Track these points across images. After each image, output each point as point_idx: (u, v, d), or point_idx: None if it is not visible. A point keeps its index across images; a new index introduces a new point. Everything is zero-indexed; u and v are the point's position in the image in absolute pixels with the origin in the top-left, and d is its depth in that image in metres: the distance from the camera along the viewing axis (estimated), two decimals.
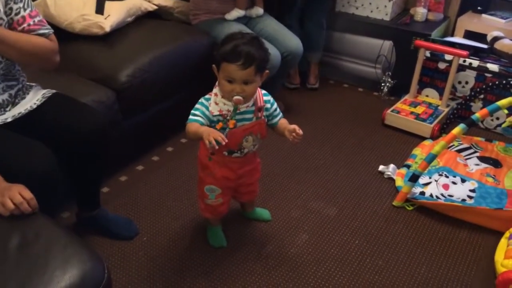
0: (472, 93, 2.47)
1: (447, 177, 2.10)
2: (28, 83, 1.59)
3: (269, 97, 1.58)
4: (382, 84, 2.86)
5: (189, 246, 1.79)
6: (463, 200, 1.97)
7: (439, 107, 2.62)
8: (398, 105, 2.65)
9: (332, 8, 2.99)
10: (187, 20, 2.54)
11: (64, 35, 2.10)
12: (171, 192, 2.05)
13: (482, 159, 2.25)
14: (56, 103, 1.54)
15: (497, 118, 2.55)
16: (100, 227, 1.79)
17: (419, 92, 2.77)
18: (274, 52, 2.32)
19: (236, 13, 2.43)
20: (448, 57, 2.58)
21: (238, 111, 1.47)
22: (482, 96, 2.52)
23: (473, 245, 1.84)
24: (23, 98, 1.54)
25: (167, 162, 2.26)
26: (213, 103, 1.48)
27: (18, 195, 1.17)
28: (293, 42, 2.45)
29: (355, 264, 1.73)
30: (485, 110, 1.90)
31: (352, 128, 2.59)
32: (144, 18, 2.42)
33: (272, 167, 2.23)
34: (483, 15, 2.88)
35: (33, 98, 1.54)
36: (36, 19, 1.48)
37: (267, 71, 1.49)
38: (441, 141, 1.90)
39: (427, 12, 2.89)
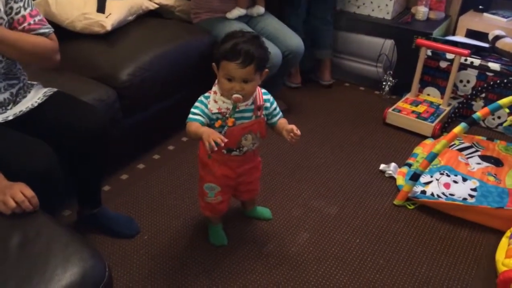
0: (474, 92, 2.47)
1: (448, 176, 2.10)
2: (29, 82, 1.59)
3: (269, 96, 1.58)
4: (384, 83, 2.85)
5: (190, 245, 1.79)
6: (464, 199, 1.97)
7: (440, 106, 2.62)
8: (400, 104, 2.64)
9: (333, 7, 2.99)
10: (188, 19, 2.54)
11: (65, 33, 2.11)
12: (172, 191, 2.05)
13: (484, 158, 2.25)
14: (57, 101, 1.54)
15: (499, 117, 2.54)
16: (101, 226, 1.80)
17: (420, 91, 2.77)
18: (275, 51, 2.31)
19: (237, 12, 2.43)
20: (449, 56, 2.57)
21: (237, 109, 1.47)
22: (483, 95, 2.52)
23: (474, 244, 1.84)
24: (24, 96, 1.54)
25: (168, 160, 2.26)
26: (212, 101, 1.48)
27: (20, 193, 1.17)
28: (294, 41, 2.45)
29: (356, 263, 1.73)
30: (486, 109, 1.89)
31: (353, 127, 2.58)
32: (145, 17, 2.42)
33: (273, 165, 2.23)
34: (485, 14, 2.88)
35: (34, 97, 1.54)
36: (37, 18, 1.48)
37: (266, 70, 1.49)
38: (442, 140, 1.90)
39: (428, 11, 2.88)
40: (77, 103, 1.57)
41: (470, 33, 2.83)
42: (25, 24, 1.45)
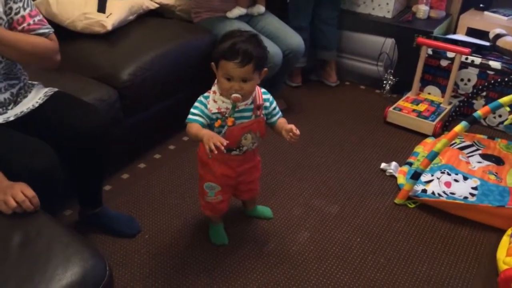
0: (474, 91, 2.47)
1: (449, 174, 2.10)
2: (30, 82, 1.59)
3: (268, 96, 1.58)
4: (384, 81, 2.85)
5: (191, 244, 1.79)
6: (465, 197, 1.97)
7: (441, 105, 2.61)
8: (400, 102, 2.64)
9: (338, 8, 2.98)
10: (189, 18, 2.54)
11: (66, 33, 2.11)
12: (173, 190, 2.06)
13: (485, 156, 2.25)
14: (57, 101, 1.54)
15: (500, 116, 2.54)
16: (102, 225, 1.80)
17: (421, 89, 2.76)
18: (275, 50, 2.32)
19: (238, 11, 2.43)
20: (450, 54, 2.57)
21: (236, 109, 1.47)
22: (484, 93, 2.52)
23: (475, 242, 1.84)
24: (25, 96, 1.54)
25: (169, 160, 2.26)
26: (211, 101, 1.48)
27: (20, 193, 1.17)
28: (295, 40, 2.45)
29: (357, 262, 1.73)
30: (487, 108, 1.89)
31: (354, 126, 2.58)
32: (146, 17, 2.42)
33: (273, 165, 2.23)
34: (486, 12, 2.87)
35: (35, 97, 1.54)
36: (36, 19, 1.48)
37: (265, 69, 1.49)
38: (443, 139, 1.90)
39: (429, 10, 2.88)
40: (78, 103, 1.58)
41: (471, 32, 2.83)
42: (25, 25, 1.45)
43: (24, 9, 1.45)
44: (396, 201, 2.02)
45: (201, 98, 1.51)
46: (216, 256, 1.74)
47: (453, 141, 2.30)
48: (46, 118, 1.50)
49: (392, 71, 2.83)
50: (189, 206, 1.97)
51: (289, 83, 2.96)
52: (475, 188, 2.02)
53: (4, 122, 1.46)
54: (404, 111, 2.56)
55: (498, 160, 2.22)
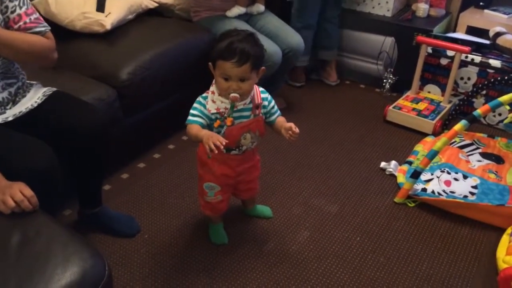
0: (474, 89, 2.46)
1: (449, 173, 2.10)
2: (28, 82, 1.59)
3: (267, 95, 1.58)
4: (384, 80, 2.85)
5: (190, 244, 1.79)
6: (465, 196, 1.97)
7: (441, 104, 2.61)
8: (400, 101, 2.64)
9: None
10: (188, 17, 2.54)
11: (65, 33, 2.11)
12: (172, 190, 2.06)
13: (484, 155, 2.25)
14: (56, 101, 1.54)
15: (499, 114, 2.54)
16: (101, 225, 1.80)
17: (421, 88, 2.76)
18: (275, 49, 2.31)
19: (237, 10, 2.42)
20: (450, 53, 2.57)
21: (235, 109, 1.46)
22: (484, 92, 2.51)
23: (475, 241, 1.83)
24: (24, 96, 1.54)
25: (168, 159, 2.26)
26: (210, 101, 1.48)
27: (19, 193, 1.17)
28: (294, 38, 2.45)
29: (357, 261, 1.73)
30: (486, 106, 1.89)
31: (354, 125, 2.58)
32: (145, 16, 2.42)
33: (273, 164, 2.23)
34: (486, 10, 2.87)
35: (34, 97, 1.54)
36: (32, 17, 1.47)
37: (263, 67, 1.49)
38: (443, 138, 1.90)
39: (429, 8, 2.87)
40: (77, 102, 1.57)
41: (471, 30, 2.82)
42: (21, 23, 1.44)
43: (20, 8, 1.44)
44: (396, 200, 2.02)
45: (199, 98, 1.51)
46: (215, 255, 1.74)
47: (453, 140, 2.30)
48: (45, 117, 1.50)
49: (392, 69, 2.83)
50: (189, 205, 1.97)
51: (293, 83, 2.95)
52: (475, 187, 2.01)
53: (2, 122, 1.46)
54: (404, 109, 2.55)
55: (498, 159, 2.21)
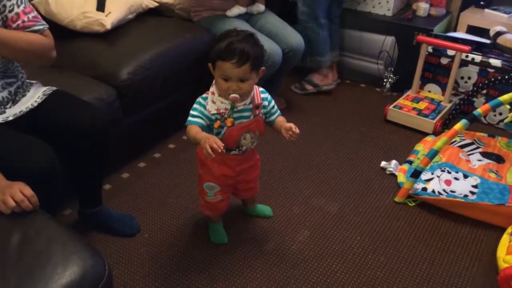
0: (475, 89, 2.46)
1: (449, 172, 2.10)
2: (28, 81, 1.59)
3: (267, 95, 1.57)
4: (384, 80, 2.85)
5: (190, 243, 1.79)
6: (466, 196, 1.97)
7: (441, 103, 2.61)
8: (400, 100, 2.64)
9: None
10: (188, 17, 2.54)
11: (65, 32, 2.11)
12: (172, 189, 2.06)
13: (485, 154, 2.24)
14: (56, 100, 1.54)
15: (500, 114, 2.54)
16: (102, 224, 1.80)
17: (421, 87, 2.76)
18: (275, 49, 2.31)
19: (237, 10, 2.42)
20: (450, 52, 2.57)
21: (235, 109, 1.46)
22: (484, 91, 2.51)
23: (475, 241, 1.83)
24: (24, 95, 1.54)
25: (168, 159, 2.26)
26: (210, 102, 1.48)
27: (19, 193, 1.17)
28: (295, 38, 2.45)
29: (357, 260, 1.73)
30: (487, 106, 1.89)
31: (354, 124, 2.58)
32: (145, 15, 2.42)
33: (273, 163, 2.23)
34: (486, 10, 2.86)
35: (34, 96, 1.54)
36: (31, 15, 1.47)
37: (263, 68, 1.49)
38: (443, 137, 1.90)
39: (429, 7, 2.87)
40: (77, 102, 1.57)
41: (471, 29, 2.82)
42: (19, 22, 1.44)
43: (18, 6, 1.44)
44: (396, 199, 2.02)
45: (199, 99, 1.50)
46: (216, 255, 1.74)
47: (453, 139, 2.30)
48: (45, 117, 1.50)
49: (392, 69, 2.83)
50: (189, 205, 1.97)
51: (324, 87, 2.89)
52: (475, 186, 2.01)
53: (3, 121, 1.46)
54: (404, 109, 2.55)
55: (498, 158, 2.21)
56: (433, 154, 1.91)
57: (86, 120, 1.51)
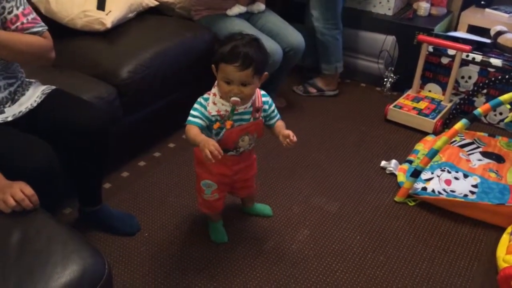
0: (475, 88, 2.46)
1: (449, 172, 2.10)
2: (27, 80, 1.59)
3: (268, 98, 1.57)
4: (385, 79, 2.85)
5: (190, 242, 1.79)
6: (465, 195, 1.97)
7: (442, 102, 2.61)
8: (401, 100, 2.64)
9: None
10: (189, 16, 2.53)
11: (66, 31, 2.11)
12: (172, 188, 2.06)
13: (485, 154, 2.25)
14: (56, 99, 1.54)
15: (500, 113, 2.54)
16: (102, 223, 1.80)
17: (421, 87, 2.76)
18: (276, 48, 2.31)
19: (238, 9, 2.42)
20: (451, 52, 2.57)
21: (236, 112, 1.46)
22: (485, 91, 2.51)
23: (475, 240, 1.83)
24: (23, 94, 1.54)
25: (168, 158, 2.26)
26: (211, 103, 1.48)
27: (20, 192, 1.17)
28: (295, 37, 2.44)
29: (357, 259, 1.73)
30: (487, 105, 1.89)
31: (354, 124, 2.58)
32: (145, 14, 2.42)
33: (273, 162, 2.23)
34: (487, 9, 2.87)
35: (33, 95, 1.54)
36: (30, 17, 1.47)
37: (266, 73, 1.48)
38: (443, 137, 1.90)
39: (430, 7, 2.87)
40: (76, 101, 1.57)
41: (472, 29, 2.83)
42: (18, 24, 1.44)
43: (17, 8, 1.44)
44: (396, 199, 2.02)
45: (200, 99, 1.50)
46: (215, 254, 1.74)
47: (454, 139, 2.30)
48: (44, 117, 1.50)
49: (393, 68, 2.83)
50: (189, 204, 1.97)
51: (327, 91, 2.88)
52: (475, 186, 2.01)
53: (2, 122, 1.45)
54: (405, 109, 2.55)
55: (498, 158, 2.21)
56: (433, 153, 1.91)
57: (85, 119, 1.51)
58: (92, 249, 1.13)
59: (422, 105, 2.58)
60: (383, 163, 2.24)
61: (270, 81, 2.35)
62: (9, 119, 1.47)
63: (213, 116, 1.47)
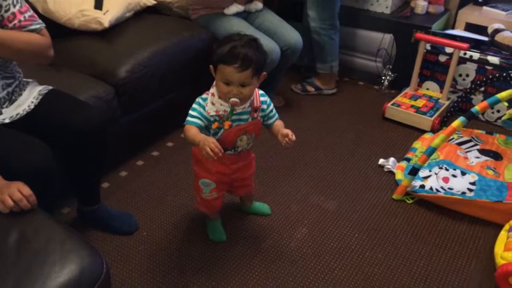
0: (473, 86, 2.46)
1: (447, 170, 2.10)
2: (24, 79, 1.59)
3: (266, 98, 1.57)
4: (383, 77, 2.85)
5: (189, 241, 1.79)
6: (463, 193, 1.97)
7: (439, 100, 2.61)
8: (399, 98, 2.64)
9: None
10: (186, 15, 2.53)
11: (63, 31, 2.11)
12: (170, 187, 2.06)
13: (483, 152, 2.25)
14: (52, 100, 1.54)
15: (498, 111, 2.54)
16: (100, 222, 1.80)
17: (419, 85, 2.76)
18: (273, 46, 2.31)
19: (235, 8, 2.42)
20: (448, 50, 2.57)
21: (234, 112, 1.46)
22: (482, 88, 2.52)
23: (473, 237, 1.84)
24: (20, 94, 1.53)
25: (167, 157, 2.26)
26: (209, 103, 1.48)
27: (18, 192, 1.17)
28: (293, 36, 2.44)
29: (355, 257, 1.74)
30: (484, 103, 1.89)
31: (352, 122, 2.58)
32: (143, 13, 2.42)
33: (271, 161, 2.23)
34: (484, 7, 2.87)
35: (30, 96, 1.53)
36: (27, 15, 1.46)
37: (264, 73, 1.49)
38: (441, 134, 1.90)
39: (427, 5, 2.88)
40: (73, 101, 1.57)
41: (470, 27, 2.83)
42: (16, 21, 1.43)
43: (14, 6, 1.43)
44: (394, 196, 2.02)
45: (199, 100, 1.50)
46: (214, 252, 1.74)
47: (451, 137, 2.30)
48: (42, 118, 1.49)
49: (391, 66, 2.83)
50: (187, 203, 1.97)
51: (325, 90, 2.88)
52: (473, 183, 2.02)
53: None
54: (403, 106, 2.56)
55: (496, 155, 2.22)
56: (431, 151, 1.91)
57: (82, 119, 1.51)
58: (90, 248, 1.13)
59: (420, 103, 2.59)
60: (381, 161, 2.24)
61: (267, 80, 2.35)
62: (7, 121, 1.47)
63: (211, 116, 1.47)
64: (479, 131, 2.43)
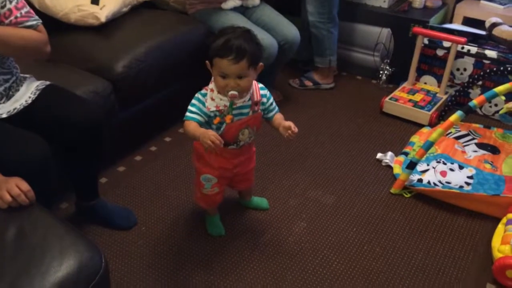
0: (471, 80, 2.46)
1: (445, 164, 2.11)
2: (22, 75, 1.58)
3: (266, 91, 1.57)
4: (381, 72, 2.85)
5: (187, 235, 1.80)
6: (461, 186, 1.98)
7: (437, 95, 2.61)
8: (396, 92, 2.64)
9: None
10: (183, 10, 2.52)
11: (60, 26, 2.10)
12: (169, 182, 2.06)
13: (480, 145, 2.25)
14: (50, 95, 1.53)
15: (495, 105, 2.54)
16: (99, 217, 1.80)
17: (417, 79, 2.76)
18: (271, 41, 2.31)
19: (233, 2, 2.41)
20: (446, 44, 2.57)
21: (234, 106, 1.46)
22: (480, 82, 2.52)
23: (470, 231, 1.85)
24: (17, 90, 1.53)
25: (165, 152, 2.26)
26: (209, 99, 1.48)
27: (16, 188, 1.17)
28: (290, 30, 2.44)
29: (353, 251, 1.74)
30: (482, 97, 1.89)
31: (350, 116, 2.58)
32: (140, 8, 2.41)
33: (270, 156, 2.23)
34: (482, 1, 2.87)
35: (27, 91, 1.53)
36: (23, 11, 1.46)
37: (261, 64, 1.48)
38: (438, 129, 1.90)
39: None
40: (70, 96, 1.56)
41: (467, 21, 2.82)
42: (12, 18, 1.43)
43: (10, 2, 1.42)
44: (392, 191, 2.03)
45: (198, 95, 1.50)
46: (212, 247, 1.74)
47: (449, 131, 2.30)
48: (39, 113, 1.49)
49: (388, 61, 2.83)
50: (186, 197, 1.97)
51: (323, 85, 2.87)
52: (470, 177, 2.02)
53: None
54: (400, 101, 2.56)
55: (493, 149, 2.22)
56: (428, 145, 1.92)
57: (80, 114, 1.50)
58: (89, 243, 1.13)
59: (418, 97, 2.59)
60: (379, 155, 2.24)
61: (265, 74, 2.36)
62: (4, 116, 1.46)
63: (212, 112, 1.47)
64: (477, 125, 2.43)
